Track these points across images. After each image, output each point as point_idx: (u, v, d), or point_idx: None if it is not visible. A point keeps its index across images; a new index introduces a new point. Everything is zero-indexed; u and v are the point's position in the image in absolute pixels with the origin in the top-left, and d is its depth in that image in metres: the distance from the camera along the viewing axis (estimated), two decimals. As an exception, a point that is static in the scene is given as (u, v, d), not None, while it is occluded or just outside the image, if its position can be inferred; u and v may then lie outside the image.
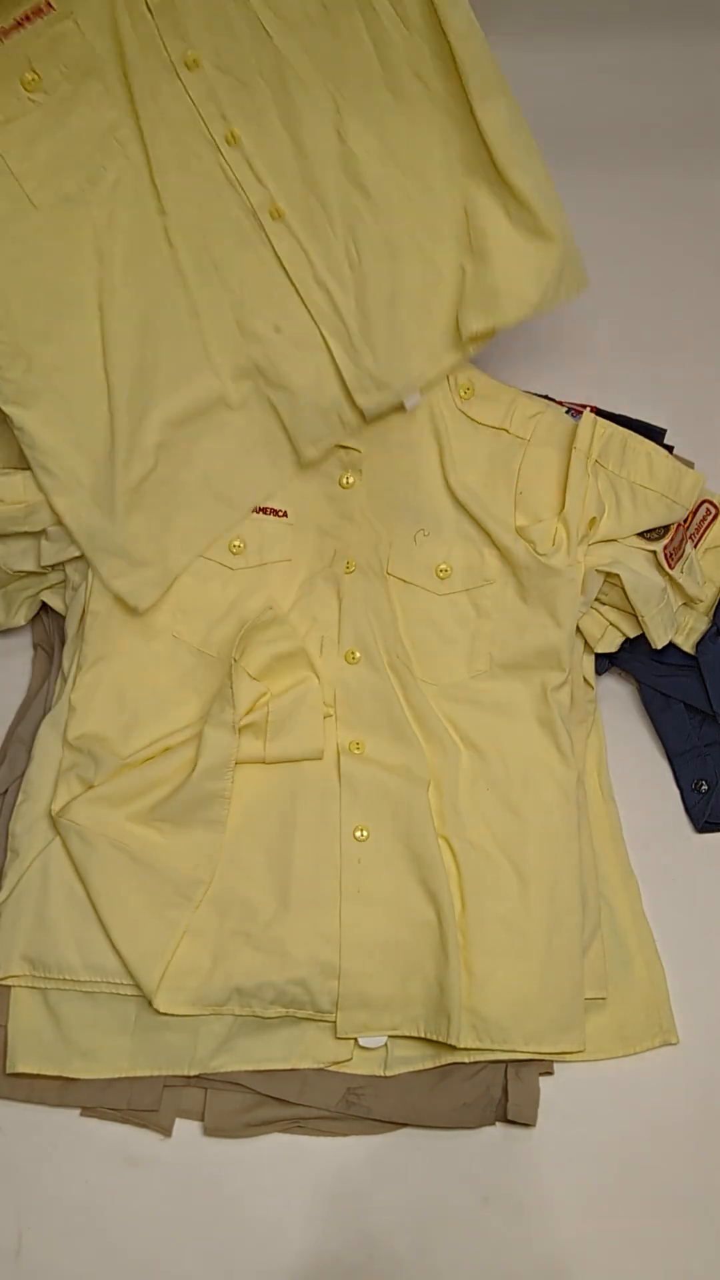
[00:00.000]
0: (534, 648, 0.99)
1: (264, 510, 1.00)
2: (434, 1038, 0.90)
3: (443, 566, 1.00)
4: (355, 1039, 0.91)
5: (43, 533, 0.99)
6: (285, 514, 1.00)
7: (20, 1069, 0.90)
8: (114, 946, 0.90)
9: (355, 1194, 0.90)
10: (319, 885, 0.93)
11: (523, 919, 0.93)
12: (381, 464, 1.00)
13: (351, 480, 1.00)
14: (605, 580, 1.01)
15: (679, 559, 1.03)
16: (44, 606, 1.05)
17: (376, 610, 0.99)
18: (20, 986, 0.91)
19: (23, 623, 1.05)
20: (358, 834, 0.94)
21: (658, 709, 1.07)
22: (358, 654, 0.99)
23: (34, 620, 1.07)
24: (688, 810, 1.05)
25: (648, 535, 1.02)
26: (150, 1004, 0.89)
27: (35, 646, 1.08)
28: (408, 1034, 0.92)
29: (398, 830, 0.95)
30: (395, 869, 0.94)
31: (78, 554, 0.98)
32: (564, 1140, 0.93)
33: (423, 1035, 0.91)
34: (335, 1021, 0.91)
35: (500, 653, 1.00)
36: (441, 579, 1.00)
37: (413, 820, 0.94)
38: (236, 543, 0.99)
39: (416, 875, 0.94)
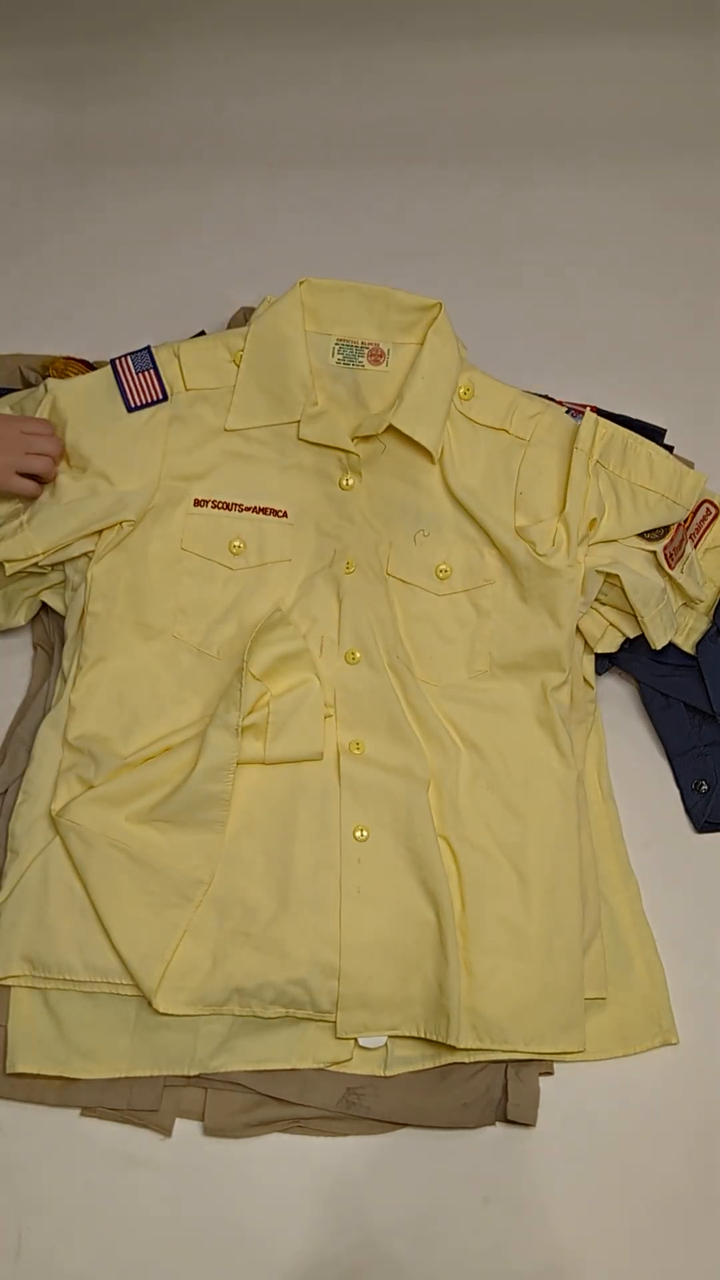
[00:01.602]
0: (534, 648, 0.99)
1: (264, 510, 1.00)
2: (434, 1038, 0.90)
3: (442, 567, 1.00)
4: (355, 1039, 0.91)
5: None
6: (285, 514, 1.00)
7: (20, 1069, 0.89)
8: (114, 947, 0.90)
9: (355, 1194, 0.90)
10: (319, 885, 0.92)
11: (523, 919, 0.93)
12: (382, 466, 1.00)
13: (351, 482, 0.99)
14: (605, 580, 1.01)
15: (679, 559, 1.02)
16: (44, 606, 1.05)
17: (376, 610, 0.99)
18: (20, 986, 0.91)
19: (23, 623, 1.05)
20: (358, 834, 0.94)
21: (658, 709, 1.07)
22: (358, 654, 0.99)
23: (34, 620, 1.07)
24: (688, 810, 1.05)
25: (648, 535, 1.02)
26: (150, 1004, 0.89)
27: (35, 646, 1.08)
28: (407, 1034, 0.91)
29: (398, 830, 0.94)
30: (395, 869, 0.94)
31: (78, 554, 0.98)
32: (564, 1140, 0.92)
33: (422, 1035, 0.91)
34: (335, 1022, 0.91)
35: (500, 653, 1.00)
36: (441, 579, 1.00)
37: (413, 820, 0.94)
38: (236, 543, 0.99)
39: (416, 875, 0.94)
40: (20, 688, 1.06)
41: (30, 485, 0.97)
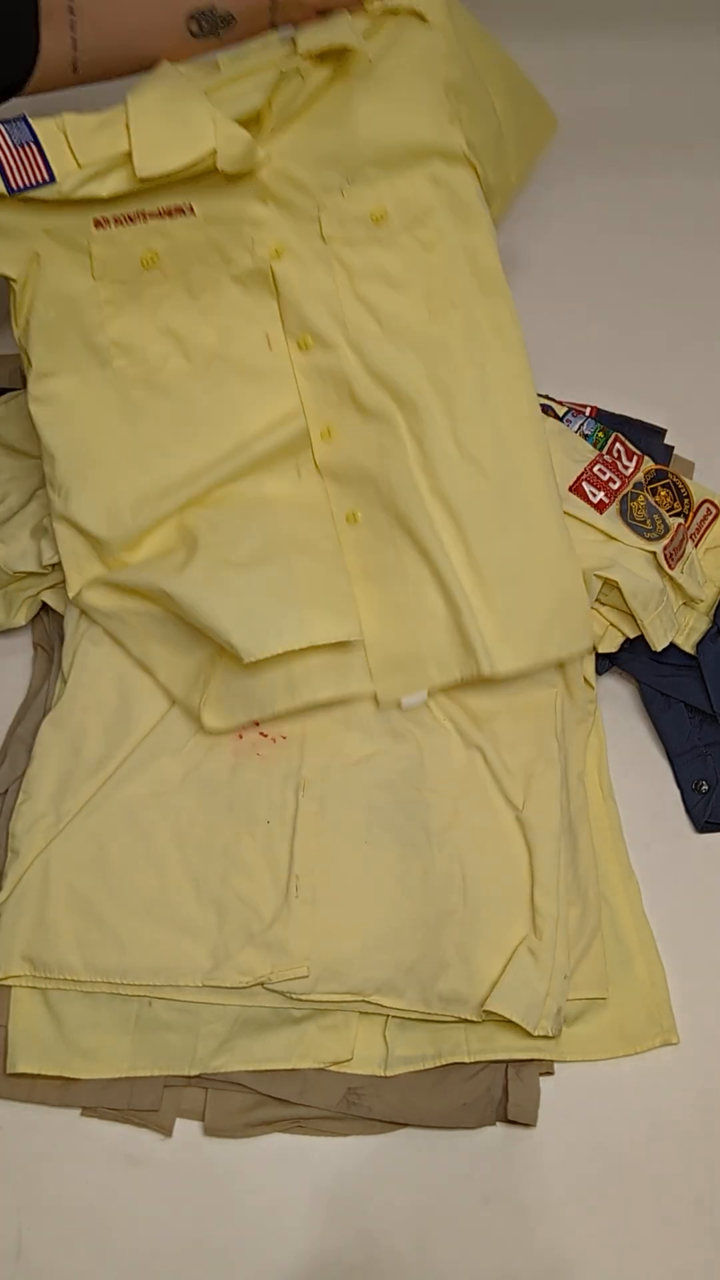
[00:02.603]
0: (484, 266, 0.97)
1: (169, 212, 0.89)
2: (471, 675, 0.93)
3: (376, 211, 0.95)
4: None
5: (44, 532, 0.99)
6: (191, 209, 0.90)
7: (20, 1069, 0.89)
8: (161, 686, 0.96)
9: (355, 1194, 0.90)
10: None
11: (521, 545, 0.95)
12: (289, 131, 0.92)
13: (262, 156, 0.91)
14: (604, 584, 1.01)
15: (679, 559, 1.03)
16: (44, 606, 1.05)
17: (319, 287, 0.95)
18: (20, 986, 0.91)
19: (23, 623, 1.05)
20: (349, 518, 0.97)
21: (658, 709, 1.07)
22: (309, 340, 0.95)
23: (34, 620, 1.07)
24: (688, 810, 1.05)
25: (647, 536, 1.02)
26: (201, 725, 0.93)
27: (35, 646, 1.08)
28: (447, 681, 0.94)
29: (384, 507, 0.96)
30: (393, 541, 0.95)
31: None
32: (564, 1140, 0.93)
33: (460, 678, 0.93)
34: (375, 695, 0.94)
35: (454, 285, 0.96)
36: (378, 225, 0.95)
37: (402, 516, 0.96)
38: (146, 254, 0.90)
39: (414, 547, 0.95)
40: (20, 688, 1.06)
41: None
